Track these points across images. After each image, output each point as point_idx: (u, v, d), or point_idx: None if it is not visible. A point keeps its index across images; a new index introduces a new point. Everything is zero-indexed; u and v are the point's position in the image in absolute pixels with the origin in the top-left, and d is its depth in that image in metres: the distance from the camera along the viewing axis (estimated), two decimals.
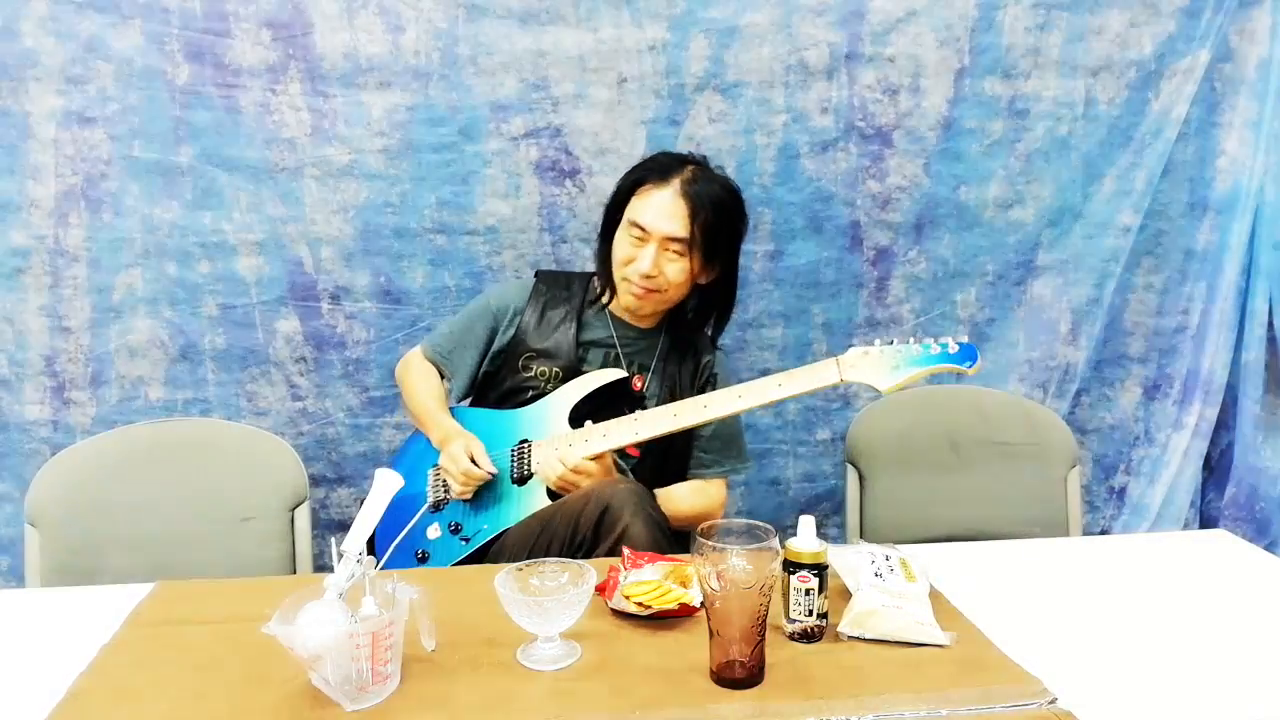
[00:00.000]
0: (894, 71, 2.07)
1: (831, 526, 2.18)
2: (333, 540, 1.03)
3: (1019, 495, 1.90)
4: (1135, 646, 1.13)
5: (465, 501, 1.61)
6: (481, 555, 1.56)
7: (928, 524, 1.84)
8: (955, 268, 2.20)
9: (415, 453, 1.71)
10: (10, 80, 1.89)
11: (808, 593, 1.10)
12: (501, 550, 1.53)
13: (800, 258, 2.15)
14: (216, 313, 2.04)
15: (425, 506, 1.62)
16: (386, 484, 1.08)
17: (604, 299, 1.71)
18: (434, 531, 1.61)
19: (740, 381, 1.59)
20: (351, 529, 1.04)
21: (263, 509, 1.67)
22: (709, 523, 1.06)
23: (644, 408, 1.62)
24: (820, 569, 1.10)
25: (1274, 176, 2.15)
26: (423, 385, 1.76)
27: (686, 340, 1.73)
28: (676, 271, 1.62)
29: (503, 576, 1.07)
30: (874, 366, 1.52)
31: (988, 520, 1.86)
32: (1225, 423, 2.30)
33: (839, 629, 1.12)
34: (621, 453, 1.64)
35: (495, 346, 1.72)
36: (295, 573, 1.67)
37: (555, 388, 1.65)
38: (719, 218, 1.60)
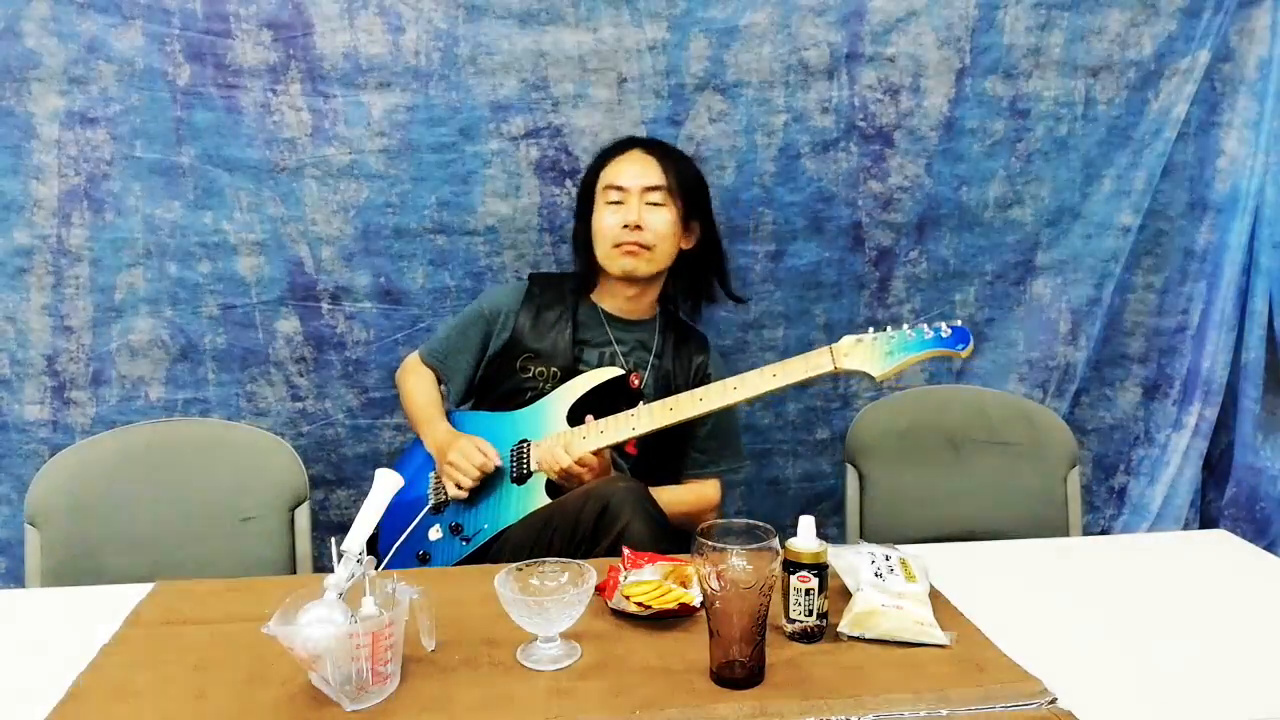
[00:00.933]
0: (895, 71, 2.07)
1: (831, 526, 2.18)
2: (332, 541, 1.04)
3: (1019, 495, 1.90)
4: (1135, 646, 1.13)
5: (465, 502, 1.61)
6: (482, 555, 1.56)
7: (928, 524, 1.84)
8: (955, 268, 2.20)
9: (418, 457, 1.72)
10: (13, 81, 1.89)
11: (808, 593, 1.10)
12: (502, 549, 1.53)
13: (801, 258, 2.15)
14: (217, 313, 2.04)
15: (426, 508, 1.63)
16: (386, 484, 1.08)
17: (591, 289, 1.74)
18: (435, 533, 1.61)
19: None
20: (352, 529, 1.04)
21: (263, 509, 1.67)
22: (709, 523, 1.06)
23: (641, 404, 1.62)
24: (820, 569, 1.10)
25: (1274, 176, 2.15)
26: (419, 391, 1.77)
27: (681, 336, 1.74)
28: (661, 223, 1.65)
29: (503, 576, 1.07)
30: (867, 354, 1.52)
31: (988, 520, 1.86)
32: (1225, 423, 2.30)
33: (839, 629, 1.12)
34: (620, 451, 1.64)
35: (490, 350, 1.72)
36: (295, 573, 1.67)
37: (553, 388, 1.65)
38: (687, 170, 1.72)
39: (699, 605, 1.12)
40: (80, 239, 1.97)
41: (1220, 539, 1.53)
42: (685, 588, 1.16)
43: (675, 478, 1.72)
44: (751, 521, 1.06)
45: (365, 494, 1.07)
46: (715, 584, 1.00)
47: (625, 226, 1.64)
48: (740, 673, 1.02)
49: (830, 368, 1.53)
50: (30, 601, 1.36)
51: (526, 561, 1.13)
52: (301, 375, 2.09)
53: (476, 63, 1.98)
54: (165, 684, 1.03)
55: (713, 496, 1.72)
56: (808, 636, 1.11)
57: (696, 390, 1.59)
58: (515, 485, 1.59)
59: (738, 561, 1.00)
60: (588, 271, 1.74)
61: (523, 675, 1.04)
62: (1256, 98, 2.16)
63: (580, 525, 1.39)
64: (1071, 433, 1.94)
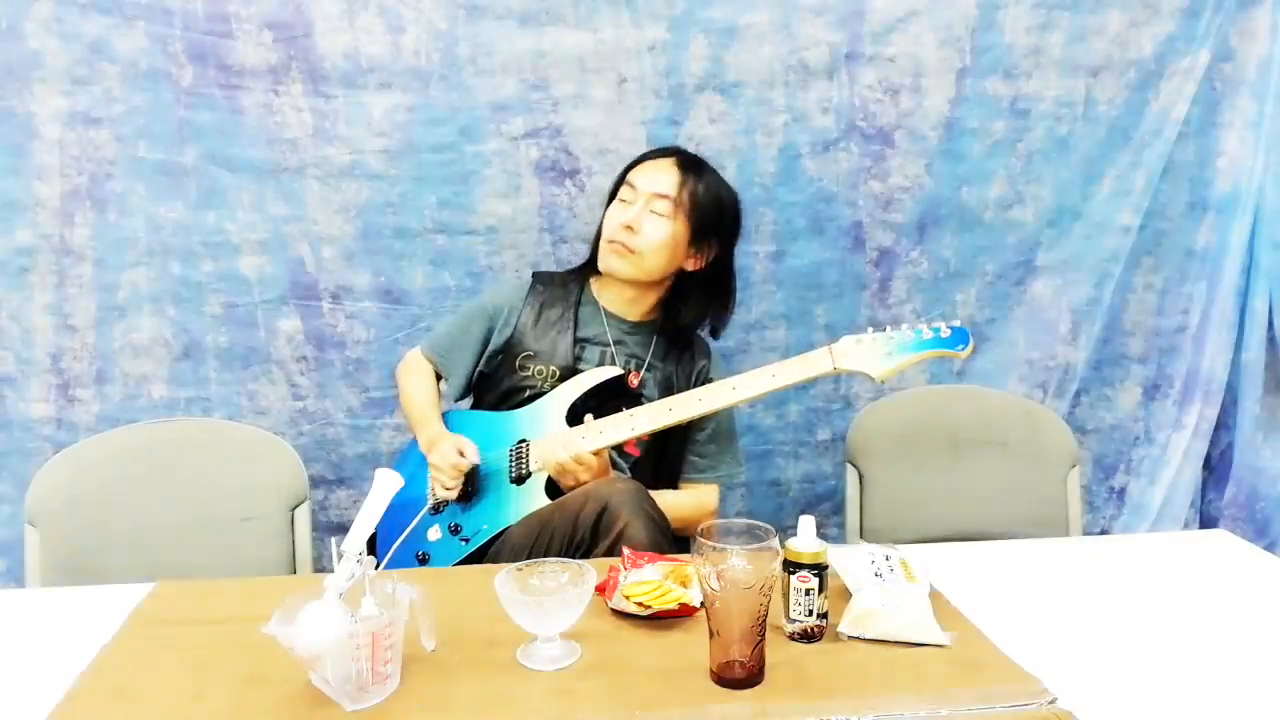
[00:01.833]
0: (895, 71, 2.07)
1: (832, 526, 2.18)
2: (332, 541, 1.04)
3: (1019, 495, 1.90)
4: (1135, 646, 1.13)
5: (464, 502, 1.61)
6: (481, 555, 1.56)
7: (928, 524, 1.84)
8: (956, 268, 2.20)
9: (417, 457, 1.71)
10: (15, 81, 1.89)
11: (808, 593, 1.10)
12: (501, 550, 1.53)
13: (802, 258, 2.15)
14: (219, 311, 2.04)
15: (425, 508, 1.63)
16: (386, 484, 1.08)
17: (592, 279, 1.74)
18: (434, 533, 1.61)
19: None
20: (351, 529, 1.04)
21: (263, 509, 1.67)
22: (709, 523, 1.06)
23: (641, 404, 1.62)
24: (820, 569, 1.10)
25: (1274, 176, 2.15)
26: (417, 388, 1.77)
27: (681, 338, 1.73)
28: (657, 232, 1.63)
29: (503, 576, 1.07)
30: (867, 354, 1.52)
31: (988, 520, 1.86)
32: (1225, 423, 2.30)
33: (839, 629, 1.12)
34: (620, 452, 1.64)
35: (491, 347, 1.72)
36: (295, 573, 1.67)
37: (552, 387, 1.65)
38: (709, 195, 1.66)
39: (699, 605, 1.12)
40: (83, 238, 1.97)
41: (1220, 539, 1.53)
42: (685, 588, 1.16)
43: (672, 482, 1.71)
44: (751, 521, 1.06)
45: (365, 494, 1.08)
46: (715, 584, 1.00)
47: (623, 226, 1.64)
48: (740, 673, 1.02)
49: (829, 368, 1.53)
50: (30, 601, 1.36)
51: (526, 561, 1.13)
52: (302, 374, 2.09)
53: (476, 63, 1.98)
54: (165, 684, 1.03)
55: (711, 502, 1.72)
56: (808, 636, 1.11)
57: (696, 390, 1.58)
58: (514, 485, 1.59)
59: (738, 561, 1.00)
60: (591, 261, 1.73)
61: (523, 675, 1.04)
62: (1256, 98, 2.16)
63: (580, 526, 1.39)
64: (1071, 433, 1.94)
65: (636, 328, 1.72)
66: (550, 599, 1.05)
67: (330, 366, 2.09)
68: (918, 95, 2.09)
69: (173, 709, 0.99)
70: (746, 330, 2.17)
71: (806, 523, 1.12)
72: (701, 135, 2.06)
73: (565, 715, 0.97)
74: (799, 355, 1.57)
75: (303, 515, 1.68)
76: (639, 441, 1.62)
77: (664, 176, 1.65)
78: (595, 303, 1.73)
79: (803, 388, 2.20)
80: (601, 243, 1.68)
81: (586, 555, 1.36)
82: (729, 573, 1.00)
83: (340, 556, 1.01)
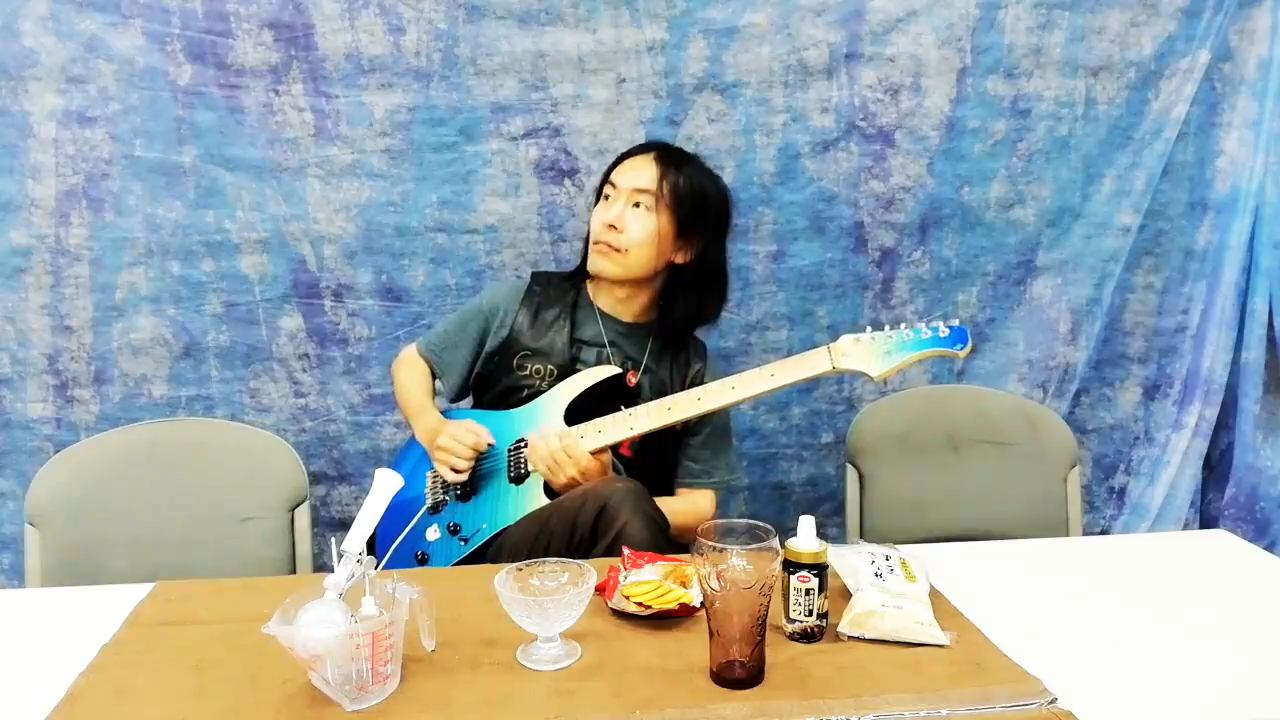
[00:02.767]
0: (895, 71, 2.07)
1: (832, 527, 2.18)
2: (332, 540, 1.04)
3: (1019, 495, 1.90)
4: (1135, 646, 1.13)
5: (463, 502, 1.61)
6: (480, 555, 1.56)
7: (928, 524, 1.84)
8: (957, 268, 2.20)
9: (415, 455, 1.71)
10: (10, 80, 1.89)
11: (808, 593, 1.10)
12: (500, 550, 1.53)
13: (803, 259, 2.15)
14: (220, 310, 2.04)
15: (424, 508, 1.63)
16: (386, 484, 1.08)
17: (585, 278, 1.74)
18: (433, 533, 1.61)
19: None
20: (351, 529, 1.04)
21: (263, 509, 1.67)
22: (709, 523, 1.06)
23: (638, 404, 1.61)
24: (820, 569, 1.10)
25: (1274, 176, 2.15)
26: (412, 381, 1.77)
27: (676, 338, 1.72)
28: (640, 229, 1.62)
29: (503, 576, 1.07)
30: (866, 353, 1.52)
31: (988, 520, 1.86)
32: (1225, 423, 2.30)
33: (839, 629, 1.12)
34: (615, 453, 1.63)
35: (488, 347, 1.72)
36: (295, 573, 1.67)
37: (550, 386, 1.65)
38: (691, 186, 1.64)
39: (699, 605, 1.12)
40: (79, 238, 1.97)
41: (1220, 539, 1.52)
42: (685, 588, 1.15)
43: (666, 486, 1.70)
44: (752, 521, 1.06)
45: (366, 490, 1.08)
46: (715, 584, 1.00)
47: (606, 225, 1.63)
48: (740, 673, 1.01)
49: (828, 367, 1.53)
50: (30, 601, 1.36)
51: (526, 561, 1.13)
52: (304, 372, 2.09)
53: (477, 63, 1.98)
54: (165, 684, 1.03)
55: (707, 508, 1.70)
56: (808, 636, 1.11)
57: (694, 390, 1.58)
58: (513, 485, 1.59)
59: (738, 561, 1.00)
60: (585, 264, 1.73)
61: (523, 675, 1.04)
62: (1256, 98, 2.16)
63: (579, 525, 1.39)
64: (1071, 433, 1.94)
65: (632, 329, 1.71)
66: (550, 599, 1.05)
67: (332, 364, 2.10)
68: (918, 95, 2.09)
69: (173, 709, 0.99)
70: (747, 331, 2.17)
71: (806, 523, 1.12)
72: (701, 135, 2.06)
73: (565, 715, 0.97)
74: (798, 355, 1.57)
75: (303, 515, 1.68)
76: (632, 443, 1.62)
77: (643, 172, 1.64)
78: (591, 304, 1.72)
79: (805, 390, 2.20)
80: (590, 246, 1.68)
81: (586, 555, 1.36)
82: (729, 573, 1.00)
83: (340, 556, 1.01)
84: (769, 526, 1.04)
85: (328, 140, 1.98)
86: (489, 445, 1.58)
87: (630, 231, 1.62)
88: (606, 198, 1.67)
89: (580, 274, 1.75)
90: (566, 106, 2.02)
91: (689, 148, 2.03)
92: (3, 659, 1.12)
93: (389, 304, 2.08)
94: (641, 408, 1.57)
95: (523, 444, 1.61)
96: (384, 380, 2.10)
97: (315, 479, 2.11)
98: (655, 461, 1.66)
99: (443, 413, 1.75)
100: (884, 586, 1.16)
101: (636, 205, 1.63)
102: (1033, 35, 2.09)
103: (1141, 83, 2.13)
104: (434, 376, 1.79)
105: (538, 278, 1.77)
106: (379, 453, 2.13)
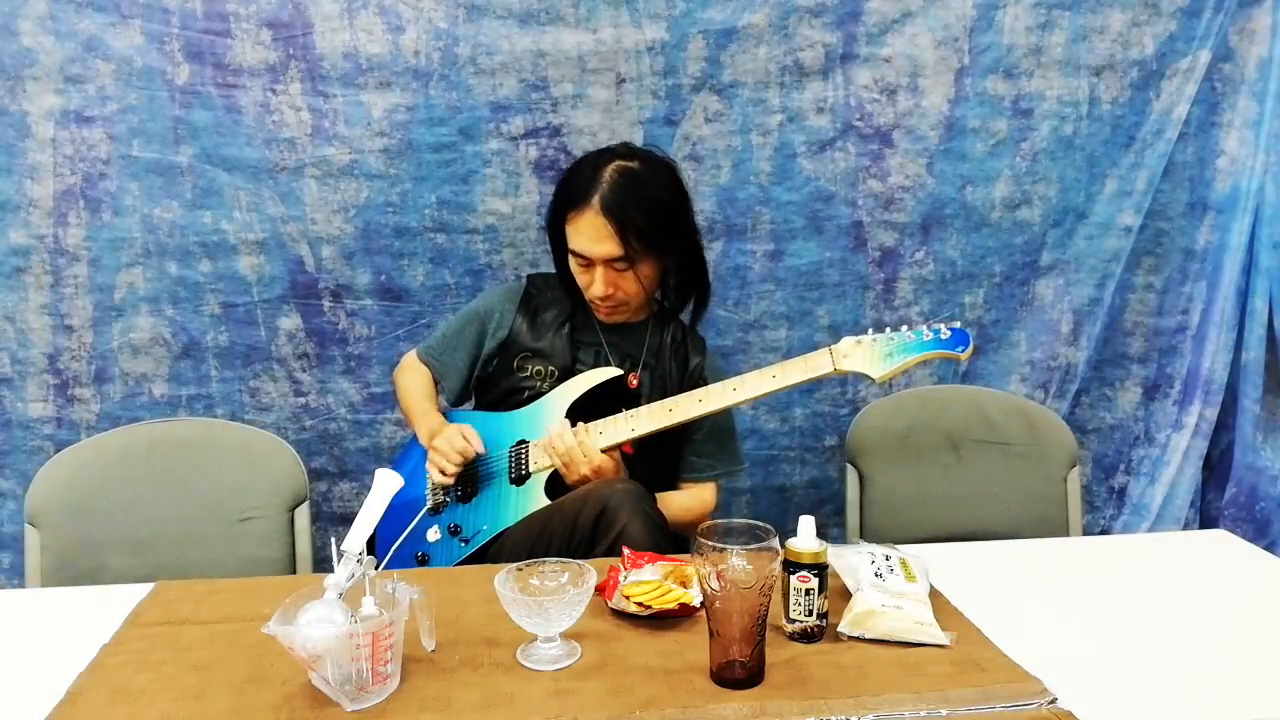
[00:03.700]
0: (891, 71, 2.07)
1: (833, 527, 2.18)
2: (332, 540, 1.03)
3: (1019, 495, 1.90)
4: (1135, 646, 1.13)
5: (464, 502, 1.61)
6: (480, 556, 1.56)
7: (928, 524, 1.84)
8: (963, 269, 2.20)
9: (416, 456, 1.71)
10: (8, 79, 1.89)
11: (808, 593, 1.10)
12: (500, 550, 1.53)
13: (802, 258, 2.15)
14: (218, 311, 2.04)
15: (424, 509, 1.62)
16: (386, 484, 1.08)
17: (567, 292, 1.71)
18: (433, 534, 1.61)
19: None
20: (352, 529, 1.04)
21: (263, 509, 1.67)
22: (709, 523, 1.06)
23: (639, 404, 1.61)
24: (820, 569, 1.10)
25: (1274, 176, 2.15)
26: (413, 385, 1.77)
27: (677, 339, 1.72)
28: (630, 281, 1.61)
29: (503, 576, 1.07)
30: (867, 355, 1.52)
31: (988, 520, 1.86)
32: (1225, 423, 2.30)
33: (839, 629, 1.12)
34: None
35: (486, 350, 1.72)
36: (295, 572, 1.67)
37: (551, 388, 1.65)
38: (650, 217, 1.55)
39: (699, 605, 1.12)
40: (77, 239, 1.97)
41: (1220, 539, 1.53)
42: (685, 588, 1.16)
43: (668, 481, 1.71)
44: (752, 522, 1.06)
45: (368, 487, 1.08)
46: (715, 584, 1.00)
47: (599, 298, 1.61)
48: (740, 673, 1.02)
49: (830, 369, 1.53)
50: (30, 601, 1.36)
51: (526, 561, 1.13)
52: (304, 371, 2.09)
53: (476, 63, 1.98)
54: (165, 684, 1.03)
55: (710, 501, 1.71)
56: (808, 636, 1.11)
57: (696, 391, 1.58)
58: (514, 486, 1.59)
59: (738, 561, 1.00)
60: (573, 282, 1.71)
61: (523, 675, 1.04)
62: (1256, 98, 2.16)
63: (579, 526, 1.39)
64: (1071, 433, 1.94)
65: (629, 329, 1.71)
66: (550, 599, 1.05)
67: (332, 363, 2.10)
68: (915, 95, 2.09)
69: (173, 709, 0.99)
70: (746, 330, 2.17)
71: (806, 523, 1.12)
72: (698, 135, 2.06)
73: (565, 715, 0.97)
74: (800, 356, 1.57)
75: (302, 515, 1.68)
76: (635, 445, 1.62)
77: (604, 243, 1.55)
78: (587, 305, 1.72)
79: (808, 392, 2.21)
80: (586, 298, 1.65)
81: (586, 555, 1.36)
82: (729, 573, 1.00)
83: (341, 556, 1.01)
84: (769, 526, 1.04)
85: (325, 140, 1.98)
86: (479, 453, 1.58)
87: (623, 288, 1.61)
88: (582, 265, 1.60)
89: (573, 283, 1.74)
90: (566, 106, 2.02)
91: (687, 147, 2.04)
92: (3, 659, 1.12)
93: (388, 304, 2.08)
94: (643, 409, 1.57)
95: (524, 445, 1.61)
96: (384, 380, 2.10)
97: (316, 476, 2.11)
98: (656, 457, 1.67)
99: (444, 414, 1.75)
100: (884, 586, 1.16)
101: (615, 269, 1.58)
102: (1032, 35, 2.08)
103: (1143, 82, 2.13)
104: (435, 380, 1.80)
105: (534, 279, 1.77)
106: (380, 450, 2.13)
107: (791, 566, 1.10)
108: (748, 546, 1.01)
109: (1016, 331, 2.25)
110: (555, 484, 1.57)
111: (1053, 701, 0.99)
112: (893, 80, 2.08)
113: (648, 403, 1.62)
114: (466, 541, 1.57)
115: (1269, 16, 2.13)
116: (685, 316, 1.76)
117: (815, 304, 2.18)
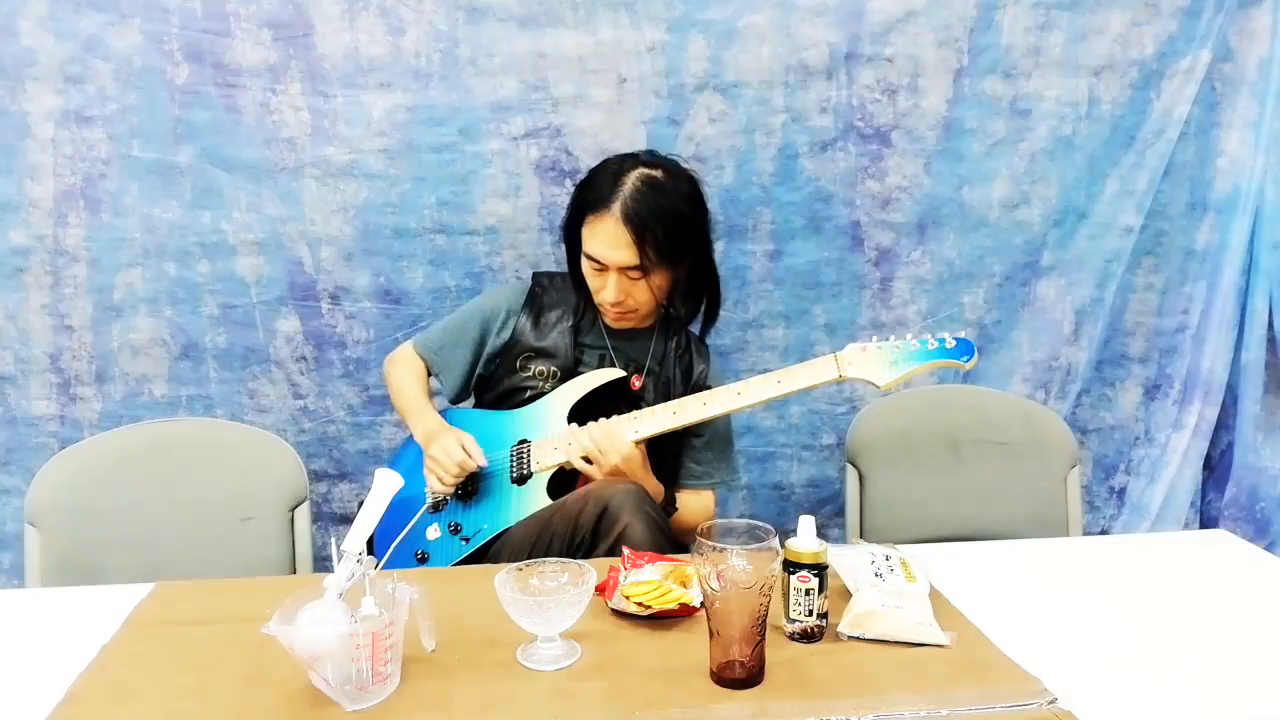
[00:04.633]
0: (893, 71, 2.07)
1: (833, 528, 2.18)
2: (332, 540, 1.03)
3: (1019, 495, 1.90)
4: (1135, 646, 1.13)
5: (464, 501, 1.61)
6: (481, 555, 1.56)
7: (928, 524, 1.84)
8: (962, 269, 2.20)
9: (414, 453, 1.71)
10: (8, 79, 1.89)
11: (808, 593, 1.10)
12: (501, 550, 1.53)
13: (800, 257, 2.15)
14: (217, 312, 2.04)
15: (425, 507, 1.62)
16: (386, 484, 1.08)
17: (573, 293, 1.70)
18: (433, 532, 1.61)
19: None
20: (351, 529, 1.04)
21: (263, 509, 1.67)
22: (709, 523, 1.06)
23: (641, 407, 1.61)
24: (820, 569, 1.10)
25: (1274, 176, 2.15)
26: (407, 380, 1.76)
27: (681, 345, 1.72)
28: (643, 290, 1.60)
29: (503, 576, 1.07)
30: (872, 363, 1.52)
31: (988, 520, 1.86)
32: (1225, 423, 2.30)
33: (839, 629, 1.12)
34: None
35: (489, 349, 1.72)
36: (295, 573, 1.67)
37: (553, 388, 1.65)
38: (669, 228, 1.55)
39: (699, 605, 1.12)
40: (77, 239, 1.97)
41: (1220, 539, 1.53)
42: (685, 588, 1.16)
43: (667, 486, 1.70)
44: (752, 521, 1.06)
45: (367, 488, 1.08)
46: (715, 584, 1.00)
47: (610, 304, 1.60)
48: (740, 673, 1.02)
49: (834, 375, 1.53)
50: (30, 601, 1.36)
51: (526, 561, 1.13)
52: (302, 374, 2.09)
53: (477, 63, 1.98)
54: (165, 684, 1.03)
55: (708, 510, 1.71)
56: (808, 636, 1.11)
57: (700, 394, 1.58)
58: (515, 486, 1.59)
59: (738, 561, 1.00)
60: (588, 305, 1.71)
61: (523, 675, 1.04)
62: (1256, 98, 2.16)
63: (580, 527, 1.39)
64: (1071, 433, 1.94)
65: (634, 334, 1.71)
66: (550, 599, 1.05)
67: (330, 366, 2.09)
68: (915, 95, 2.09)
69: (173, 709, 0.99)
70: (744, 329, 2.17)
71: (806, 523, 1.12)
72: (701, 135, 2.06)
73: (565, 715, 0.97)
74: (805, 362, 1.57)
75: (302, 515, 1.68)
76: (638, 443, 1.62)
77: (622, 250, 1.54)
78: (595, 307, 1.72)
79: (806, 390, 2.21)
80: (596, 302, 1.65)
81: (587, 556, 1.36)
82: (729, 573, 1.00)
83: (340, 556, 1.01)
84: (769, 526, 1.04)
85: (325, 140, 1.98)
86: (480, 467, 1.56)
87: (635, 295, 1.61)
88: (596, 269, 1.60)
89: (581, 284, 1.74)
90: (567, 107, 2.02)
91: (689, 148, 2.04)
92: (3, 659, 1.12)
93: (387, 306, 2.08)
94: (646, 411, 1.57)
95: (525, 444, 1.61)
96: (382, 382, 2.09)
97: (316, 477, 2.11)
98: (656, 462, 1.67)
99: (442, 413, 1.75)
100: (884, 586, 1.16)
101: (629, 276, 1.58)
102: (1031, 35, 2.08)
103: (1144, 82, 2.13)
104: (429, 374, 1.79)
105: (539, 278, 1.77)
106: (379, 452, 2.13)
107: (791, 566, 1.10)
108: (748, 546, 1.01)
109: (1018, 332, 2.25)
110: (556, 484, 1.57)
111: (1052, 701, 0.99)
112: (894, 80, 2.08)
113: (649, 404, 1.62)
114: (467, 540, 1.57)
115: (1269, 16, 2.13)
116: (696, 328, 1.76)
117: (812, 303, 2.18)
